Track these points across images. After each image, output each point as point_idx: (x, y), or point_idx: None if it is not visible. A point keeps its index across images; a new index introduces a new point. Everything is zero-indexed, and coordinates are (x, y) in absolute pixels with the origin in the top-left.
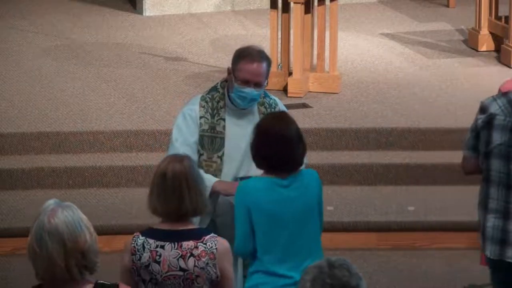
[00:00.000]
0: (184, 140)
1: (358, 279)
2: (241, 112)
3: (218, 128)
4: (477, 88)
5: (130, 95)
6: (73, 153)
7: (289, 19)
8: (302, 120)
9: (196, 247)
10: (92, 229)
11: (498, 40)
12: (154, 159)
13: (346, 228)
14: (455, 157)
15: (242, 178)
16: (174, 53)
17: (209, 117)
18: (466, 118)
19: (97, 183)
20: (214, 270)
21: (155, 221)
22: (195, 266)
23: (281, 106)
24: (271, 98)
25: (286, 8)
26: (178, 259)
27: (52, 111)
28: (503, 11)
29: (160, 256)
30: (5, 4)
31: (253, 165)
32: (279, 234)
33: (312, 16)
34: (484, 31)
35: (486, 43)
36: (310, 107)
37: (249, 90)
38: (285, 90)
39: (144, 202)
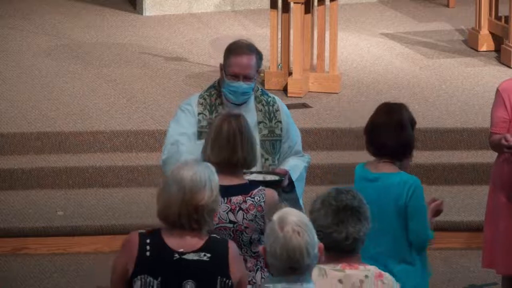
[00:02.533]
0: (181, 129)
1: (361, 202)
2: (238, 109)
3: None
4: (477, 88)
5: (130, 95)
6: (73, 153)
7: (289, 19)
8: (302, 120)
9: (245, 201)
10: (216, 193)
11: (498, 40)
12: (154, 159)
13: None
14: (455, 157)
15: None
16: (174, 53)
17: (207, 113)
18: (466, 118)
19: (97, 183)
20: (262, 221)
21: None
22: (243, 218)
23: (280, 104)
24: (269, 96)
25: (286, 8)
26: (227, 213)
27: (52, 111)
28: (503, 11)
29: None
30: (5, 4)
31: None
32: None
33: (312, 16)
34: (484, 31)
35: (486, 43)
36: (310, 107)
37: (239, 84)
38: (285, 90)
39: (144, 202)
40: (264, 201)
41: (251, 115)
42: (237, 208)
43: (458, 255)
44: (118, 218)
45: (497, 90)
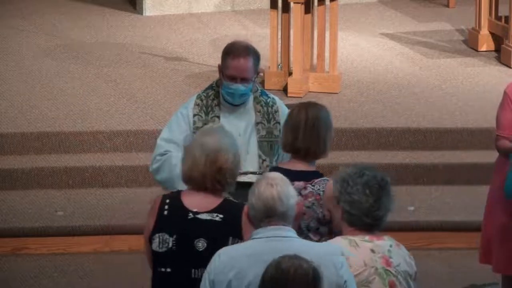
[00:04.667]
0: (171, 137)
1: (388, 177)
2: (235, 110)
3: None
4: (477, 88)
5: (130, 95)
6: (73, 153)
7: (289, 19)
8: None
9: (305, 188)
10: (238, 158)
11: (498, 40)
12: None
13: None
14: (455, 157)
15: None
16: (174, 53)
17: (203, 114)
18: (466, 118)
19: (97, 183)
20: (320, 210)
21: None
22: None
23: (280, 105)
24: (268, 97)
25: (286, 8)
26: None
27: (52, 111)
28: (503, 11)
29: None
30: (5, 4)
31: (248, 161)
32: None
33: (312, 16)
34: (484, 31)
35: (486, 43)
36: None
37: (236, 86)
38: (285, 90)
39: (144, 202)
40: (323, 191)
41: (249, 115)
42: (297, 193)
43: (458, 255)
44: (118, 218)
45: (505, 92)
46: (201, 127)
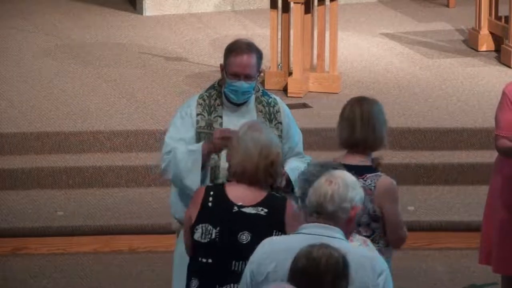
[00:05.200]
0: (177, 135)
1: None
2: (238, 109)
3: (215, 125)
4: (477, 88)
5: (130, 95)
6: (73, 153)
7: (289, 19)
8: (302, 120)
9: None
10: (281, 151)
11: (498, 40)
12: (154, 159)
13: None
14: (455, 157)
15: None
16: (174, 53)
17: (206, 114)
18: (466, 118)
19: (97, 183)
20: (371, 205)
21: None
22: None
23: (281, 105)
24: (270, 97)
25: (286, 8)
26: None
27: (52, 111)
28: (503, 11)
29: None
30: (5, 4)
31: None
32: None
33: (312, 16)
34: (484, 31)
35: (486, 43)
36: (310, 107)
37: (240, 83)
38: (285, 90)
39: (144, 202)
40: (374, 186)
41: (251, 115)
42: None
43: (458, 255)
44: (118, 218)
45: (503, 92)
46: (204, 126)
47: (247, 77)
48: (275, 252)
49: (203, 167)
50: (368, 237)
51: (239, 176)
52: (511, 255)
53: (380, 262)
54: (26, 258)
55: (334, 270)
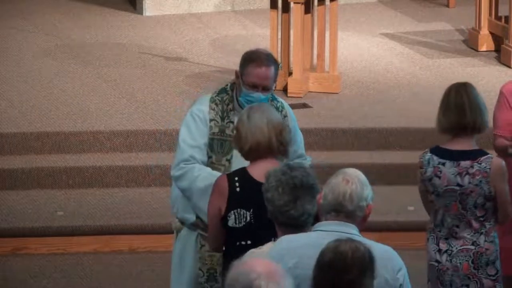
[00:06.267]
0: (193, 141)
1: (314, 179)
2: None
3: (228, 131)
4: (477, 88)
5: (130, 95)
6: (73, 153)
7: (289, 19)
8: (302, 120)
9: (472, 167)
10: (285, 123)
11: (498, 40)
12: (154, 159)
13: None
14: None
15: None
16: (174, 53)
17: (219, 119)
18: None
19: (97, 183)
20: (487, 187)
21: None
22: (469, 183)
23: (287, 109)
24: (278, 101)
25: (286, 8)
26: (455, 176)
27: (52, 111)
28: (503, 11)
29: (441, 171)
30: (5, 4)
31: None
32: None
33: (312, 16)
34: (484, 31)
35: (486, 43)
36: (310, 107)
37: (257, 95)
38: (285, 90)
39: (144, 202)
40: (489, 168)
41: None
42: (464, 172)
43: None
44: (118, 218)
45: (501, 92)
46: (217, 132)
47: (265, 89)
48: (294, 248)
49: None
50: (481, 217)
51: (255, 151)
52: (511, 255)
53: (398, 258)
54: (26, 258)
55: (361, 263)
